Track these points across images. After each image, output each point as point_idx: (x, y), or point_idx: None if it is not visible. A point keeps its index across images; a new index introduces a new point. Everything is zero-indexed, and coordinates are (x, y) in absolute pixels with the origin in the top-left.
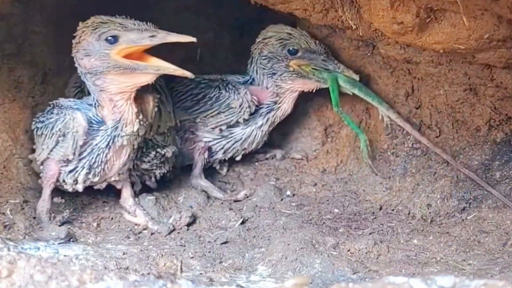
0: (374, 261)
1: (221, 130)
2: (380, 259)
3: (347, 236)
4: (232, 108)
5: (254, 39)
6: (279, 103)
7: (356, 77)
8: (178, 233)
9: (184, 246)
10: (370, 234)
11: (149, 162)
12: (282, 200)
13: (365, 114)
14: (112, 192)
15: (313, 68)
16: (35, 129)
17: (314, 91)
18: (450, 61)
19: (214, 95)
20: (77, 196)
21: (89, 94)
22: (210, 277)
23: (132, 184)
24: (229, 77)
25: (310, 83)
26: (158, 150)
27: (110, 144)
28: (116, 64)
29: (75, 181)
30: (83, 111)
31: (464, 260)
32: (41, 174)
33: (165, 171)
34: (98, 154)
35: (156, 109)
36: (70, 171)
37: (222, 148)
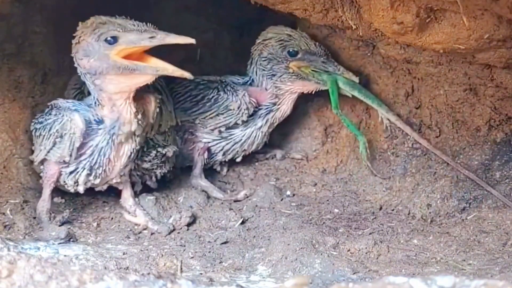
0: (374, 261)
1: (220, 132)
2: (380, 259)
3: (347, 236)
4: (231, 110)
5: (254, 39)
6: (278, 105)
7: (356, 79)
8: (178, 233)
9: (184, 246)
10: (370, 234)
11: (150, 161)
12: (282, 200)
13: (365, 114)
14: (112, 192)
15: (312, 70)
16: (34, 130)
17: (313, 92)
18: (450, 61)
19: (213, 96)
20: (77, 196)
21: (88, 95)
22: (210, 277)
23: (133, 184)
24: (228, 78)
25: (309, 85)
26: (159, 149)
27: (110, 143)
28: (115, 65)
29: (76, 183)
30: (81, 112)
31: (464, 260)
32: (41, 174)
33: (166, 171)
34: (98, 155)
35: (157, 109)
36: (71, 172)
37: (221, 149)
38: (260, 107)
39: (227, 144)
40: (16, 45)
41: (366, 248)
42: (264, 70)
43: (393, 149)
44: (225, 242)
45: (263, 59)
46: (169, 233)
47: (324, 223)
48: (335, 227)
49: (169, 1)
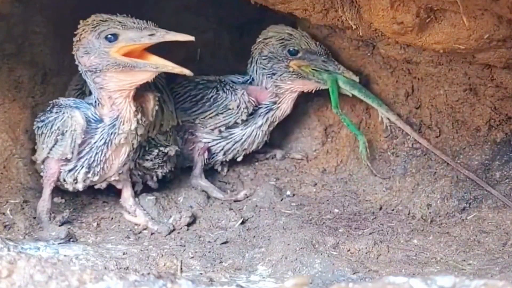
0: (374, 261)
1: (220, 131)
2: (380, 259)
3: (347, 236)
4: (230, 109)
5: (254, 39)
6: (279, 103)
7: (356, 79)
8: (178, 233)
9: (184, 246)
10: (370, 234)
11: (151, 160)
12: (282, 200)
13: (365, 114)
14: (112, 192)
15: (313, 69)
16: (36, 129)
17: (314, 91)
18: (450, 61)
19: (212, 96)
20: (77, 196)
21: (89, 95)
22: (210, 277)
23: (134, 184)
24: (227, 78)
25: (309, 84)
26: (161, 148)
27: (107, 142)
28: (115, 62)
29: (75, 180)
30: (82, 109)
31: (464, 260)
32: (41, 174)
33: (167, 171)
34: (96, 153)
35: (156, 107)
36: (70, 170)
37: (222, 149)
38: (260, 106)
39: (228, 143)
40: (16, 45)
41: (366, 248)
42: (264, 69)
43: (393, 149)
44: (225, 242)
45: (264, 58)
46: (169, 233)
47: (324, 223)
48: (335, 227)
49: (169, 1)
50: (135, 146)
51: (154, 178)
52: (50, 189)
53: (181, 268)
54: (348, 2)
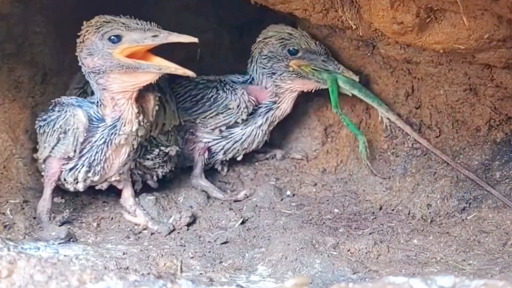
0: (374, 261)
1: (221, 131)
2: (380, 259)
3: (347, 236)
4: (230, 109)
5: (254, 39)
6: (278, 103)
7: (356, 78)
8: (178, 233)
9: (184, 246)
10: (370, 234)
11: (152, 159)
12: (282, 200)
13: (365, 114)
14: (112, 192)
15: (312, 69)
16: (38, 128)
17: (314, 91)
18: (450, 61)
19: (212, 96)
20: (77, 196)
21: (91, 94)
22: (210, 277)
23: (133, 183)
24: (227, 77)
25: (309, 84)
26: (162, 148)
27: (107, 141)
28: (119, 63)
29: (76, 180)
30: (84, 108)
31: (464, 260)
32: (43, 173)
33: (167, 171)
34: (97, 152)
35: (157, 107)
36: (71, 169)
37: (222, 148)
38: (260, 106)
39: (228, 143)
40: (16, 45)
41: (366, 248)
42: (264, 68)
43: (393, 149)
44: (225, 242)
45: (264, 57)
46: (169, 233)
47: (324, 223)
48: (335, 227)
49: (169, 1)
50: (135, 146)
51: (154, 177)
52: (51, 188)
53: (181, 268)
54: (348, 2)
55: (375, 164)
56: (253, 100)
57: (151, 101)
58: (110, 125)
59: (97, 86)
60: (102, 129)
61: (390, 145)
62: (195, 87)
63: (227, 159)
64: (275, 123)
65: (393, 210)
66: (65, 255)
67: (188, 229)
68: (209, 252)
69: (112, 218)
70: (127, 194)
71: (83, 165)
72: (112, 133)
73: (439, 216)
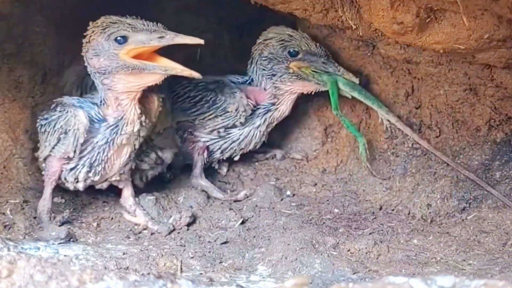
0: (374, 261)
1: (219, 132)
2: (380, 259)
3: (347, 236)
4: (228, 112)
5: (254, 39)
6: (277, 105)
7: (356, 80)
8: (178, 233)
9: (184, 246)
10: (370, 234)
11: (148, 163)
12: (282, 200)
13: (365, 114)
14: (112, 192)
15: (313, 71)
16: (39, 127)
17: (313, 92)
18: (450, 61)
19: (211, 98)
20: (77, 196)
21: (89, 92)
22: (210, 277)
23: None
24: (227, 78)
25: (309, 85)
26: (159, 153)
27: (109, 141)
28: (125, 64)
29: (76, 180)
30: (85, 109)
31: (464, 260)
32: (43, 172)
33: (156, 173)
34: (98, 152)
35: (160, 109)
36: (72, 169)
37: (219, 148)
38: (258, 107)
39: (225, 143)
40: (16, 45)
41: (366, 248)
42: (264, 69)
43: (393, 149)
44: (225, 242)
45: (264, 58)
46: (169, 233)
47: (324, 223)
48: (335, 227)
49: (169, 1)
50: (137, 146)
51: (144, 178)
52: (51, 188)
53: (181, 268)
54: (348, 2)
55: (375, 164)
56: (251, 102)
57: (155, 102)
58: (112, 125)
59: (102, 86)
60: (104, 129)
61: (390, 145)
62: (194, 88)
63: (224, 158)
64: (273, 124)
65: (393, 210)
66: (65, 255)
67: (188, 229)
68: (209, 252)
69: (112, 218)
70: (127, 193)
71: (84, 165)
72: (114, 133)
73: (439, 216)
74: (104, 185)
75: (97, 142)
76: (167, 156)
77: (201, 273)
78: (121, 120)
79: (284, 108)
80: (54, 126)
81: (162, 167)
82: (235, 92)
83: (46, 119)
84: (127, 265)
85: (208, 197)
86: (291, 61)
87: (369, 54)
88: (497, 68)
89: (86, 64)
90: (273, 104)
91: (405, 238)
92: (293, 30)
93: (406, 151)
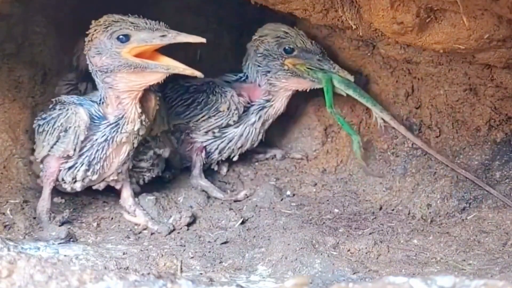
0: (374, 261)
1: (214, 133)
2: (380, 259)
3: (347, 236)
4: (221, 111)
5: None
6: (272, 101)
7: (351, 78)
8: (178, 233)
9: (184, 246)
10: (370, 234)
11: (146, 161)
12: (282, 200)
13: (365, 114)
14: (112, 192)
15: (308, 68)
16: (37, 127)
17: (314, 91)
18: (450, 61)
19: (202, 99)
20: (77, 196)
21: (84, 93)
22: (210, 277)
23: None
24: (221, 78)
25: (304, 83)
26: (156, 150)
27: (109, 139)
28: (127, 63)
29: (74, 179)
30: (85, 106)
31: (464, 260)
32: (41, 173)
33: (153, 176)
34: (97, 150)
35: (157, 107)
36: (70, 168)
37: (217, 148)
38: (253, 104)
39: (222, 142)
40: (16, 45)
41: (366, 248)
42: (259, 66)
43: (393, 149)
44: (225, 242)
45: (259, 55)
46: (169, 233)
47: (324, 223)
48: (335, 227)
49: (169, 1)
50: (135, 145)
51: (141, 181)
52: (49, 188)
53: (181, 268)
54: (348, 2)
55: (375, 164)
56: (243, 100)
57: (152, 100)
58: (112, 123)
59: (103, 85)
60: (104, 127)
61: (390, 145)
62: (186, 91)
63: (223, 158)
64: (269, 121)
65: (393, 210)
66: (65, 255)
67: (188, 229)
68: (209, 252)
69: (112, 218)
70: (126, 194)
71: (83, 164)
72: (114, 131)
73: (439, 216)
74: (102, 185)
75: (96, 139)
76: (165, 153)
77: (201, 273)
78: (121, 118)
79: (279, 105)
80: (53, 125)
81: (159, 169)
82: (226, 91)
83: (45, 118)
84: (127, 265)
85: (208, 197)
86: (286, 58)
87: (369, 54)
88: (497, 68)
89: (87, 62)
90: (268, 101)
91: (405, 238)
92: (289, 27)
93: (406, 151)
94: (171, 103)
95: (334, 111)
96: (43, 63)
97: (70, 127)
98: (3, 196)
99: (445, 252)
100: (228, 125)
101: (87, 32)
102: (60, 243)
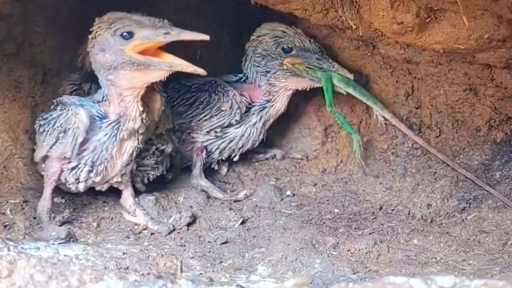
0: (374, 261)
1: (216, 132)
2: (380, 259)
3: (347, 236)
4: (223, 111)
5: None
6: (273, 101)
7: (351, 76)
8: (178, 233)
9: (184, 246)
10: (370, 234)
11: (150, 158)
12: (282, 200)
13: (365, 114)
14: (112, 192)
15: (307, 67)
16: (38, 127)
17: (314, 91)
18: (450, 61)
19: (205, 99)
20: (77, 196)
21: (88, 94)
22: (210, 277)
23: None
24: (222, 78)
25: (304, 82)
26: (158, 146)
27: (111, 138)
28: (130, 60)
29: (77, 180)
30: (86, 107)
31: (464, 260)
32: (43, 173)
33: (158, 174)
34: (101, 150)
35: (163, 108)
36: (73, 169)
37: (217, 148)
38: (253, 104)
39: (223, 142)
40: (16, 45)
41: (366, 248)
42: (258, 66)
43: (393, 149)
44: (225, 242)
45: (258, 55)
46: (169, 233)
47: (324, 223)
48: (335, 227)
49: (169, 1)
50: (138, 145)
51: (145, 180)
52: (50, 188)
53: (181, 268)
54: (348, 2)
55: (375, 164)
56: (245, 100)
57: (157, 101)
58: (113, 121)
59: (105, 82)
60: (106, 125)
61: (390, 145)
62: (188, 91)
63: (223, 158)
64: (270, 121)
65: (393, 210)
66: (65, 255)
67: (188, 229)
68: (209, 252)
69: (112, 218)
70: (127, 194)
71: (86, 164)
72: (116, 129)
73: (439, 216)
74: (105, 187)
75: (99, 139)
76: (168, 148)
77: (201, 273)
78: (123, 116)
79: (280, 105)
80: (53, 125)
81: (163, 167)
82: (228, 91)
83: (45, 119)
84: (127, 265)
85: (208, 197)
86: (285, 57)
87: (369, 54)
88: (497, 68)
89: (91, 59)
90: (268, 101)
91: (405, 238)
92: (287, 26)
93: (406, 151)
94: (173, 103)
95: (334, 110)
96: (43, 63)
97: (69, 128)
98: (3, 196)
99: (445, 252)
100: (230, 125)
101: (90, 30)
102: (60, 243)
